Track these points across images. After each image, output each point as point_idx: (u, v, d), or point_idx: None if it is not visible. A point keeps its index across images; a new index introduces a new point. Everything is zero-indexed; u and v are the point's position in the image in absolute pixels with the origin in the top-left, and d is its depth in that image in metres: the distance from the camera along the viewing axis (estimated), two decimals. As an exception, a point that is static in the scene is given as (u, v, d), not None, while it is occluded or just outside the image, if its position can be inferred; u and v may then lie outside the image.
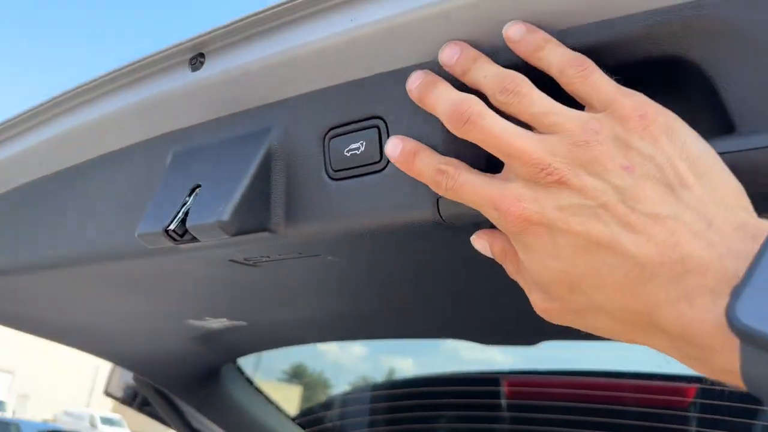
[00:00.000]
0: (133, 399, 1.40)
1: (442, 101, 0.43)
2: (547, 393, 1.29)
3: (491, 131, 0.40)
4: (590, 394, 1.24)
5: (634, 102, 0.38)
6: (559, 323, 0.42)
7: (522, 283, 0.44)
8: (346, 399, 1.59)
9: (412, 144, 0.45)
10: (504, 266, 0.46)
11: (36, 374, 26.37)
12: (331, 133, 0.51)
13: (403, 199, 0.47)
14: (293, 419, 1.48)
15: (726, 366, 0.33)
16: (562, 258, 0.38)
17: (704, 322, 0.33)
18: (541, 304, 0.42)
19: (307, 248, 0.56)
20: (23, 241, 0.76)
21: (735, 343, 0.31)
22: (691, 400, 1.17)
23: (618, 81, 0.40)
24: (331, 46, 0.49)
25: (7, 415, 20.50)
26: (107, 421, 21.80)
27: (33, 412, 25.10)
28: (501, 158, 0.41)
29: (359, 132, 0.49)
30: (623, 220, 0.36)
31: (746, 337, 0.30)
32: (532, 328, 0.94)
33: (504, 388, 1.33)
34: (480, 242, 0.46)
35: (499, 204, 0.39)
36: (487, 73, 0.42)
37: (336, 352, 1.69)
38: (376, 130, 0.49)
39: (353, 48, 0.48)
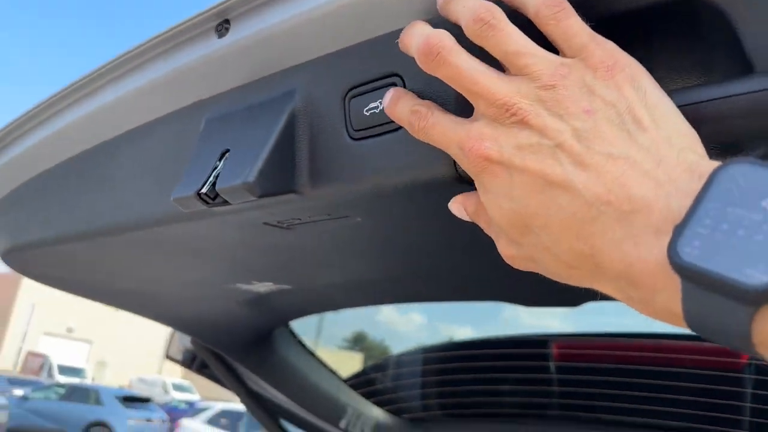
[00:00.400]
0: (192, 361, 1.46)
1: (416, 36, 0.43)
2: (595, 355, 1.28)
3: (459, 68, 0.40)
4: (641, 356, 1.22)
5: (605, 51, 0.38)
6: (523, 269, 0.43)
7: (491, 234, 0.45)
8: (396, 361, 1.61)
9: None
10: (479, 224, 0.46)
11: (112, 344, 27.81)
12: (351, 93, 0.51)
13: (421, 157, 0.47)
14: (345, 381, 1.52)
15: (668, 305, 0.33)
16: (516, 198, 0.39)
17: (647, 261, 0.33)
18: (505, 251, 0.43)
19: (334, 209, 0.57)
20: (70, 211, 0.80)
21: (676, 281, 0.31)
22: (746, 361, 1.14)
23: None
24: (347, 5, 0.49)
25: (87, 381, 21.75)
26: (178, 388, 22.85)
27: (110, 379, 26.53)
28: (467, 97, 0.41)
29: (378, 90, 0.49)
30: (577, 159, 0.36)
31: (687, 273, 0.30)
32: (574, 289, 0.93)
33: (552, 350, 1.32)
34: (456, 206, 0.47)
35: (463, 144, 0.40)
36: (466, 3, 0.41)
37: (387, 315, 1.72)
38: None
39: (369, 5, 0.48)
